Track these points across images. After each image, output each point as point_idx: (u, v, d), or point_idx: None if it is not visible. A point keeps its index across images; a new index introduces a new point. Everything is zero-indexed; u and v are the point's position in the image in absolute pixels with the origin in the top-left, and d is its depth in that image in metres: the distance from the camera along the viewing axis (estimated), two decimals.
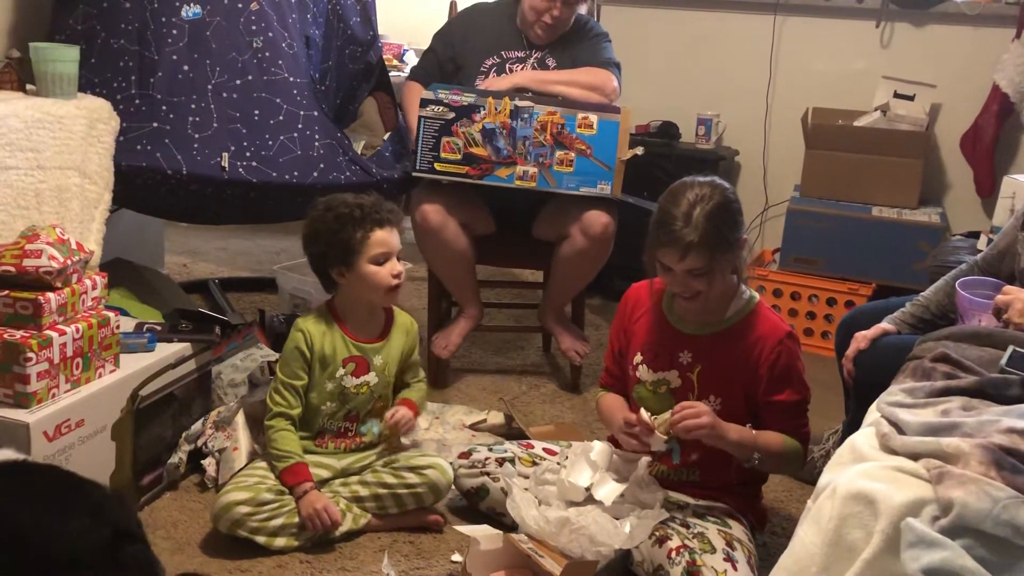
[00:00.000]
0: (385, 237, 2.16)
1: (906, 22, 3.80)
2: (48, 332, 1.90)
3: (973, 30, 3.69)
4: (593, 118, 2.72)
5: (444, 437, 2.64)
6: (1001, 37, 3.59)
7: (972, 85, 3.65)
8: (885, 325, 2.20)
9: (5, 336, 1.87)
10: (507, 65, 2.98)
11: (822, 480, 1.39)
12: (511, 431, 2.67)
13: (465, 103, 2.74)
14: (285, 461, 2.12)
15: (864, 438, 1.44)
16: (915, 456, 1.32)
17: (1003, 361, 1.58)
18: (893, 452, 1.36)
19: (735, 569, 1.84)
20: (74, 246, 2.01)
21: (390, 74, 3.39)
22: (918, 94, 3.66)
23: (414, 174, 2.79)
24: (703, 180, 1.98)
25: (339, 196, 2.20)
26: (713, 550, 1.87)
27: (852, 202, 3.61)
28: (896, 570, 1.20)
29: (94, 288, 2.06)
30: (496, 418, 2.73)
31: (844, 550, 1.27)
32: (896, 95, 3.68)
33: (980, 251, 2.48)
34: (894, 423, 1.42)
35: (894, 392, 1.52)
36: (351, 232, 2.13)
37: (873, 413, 1.53)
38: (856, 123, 3.69)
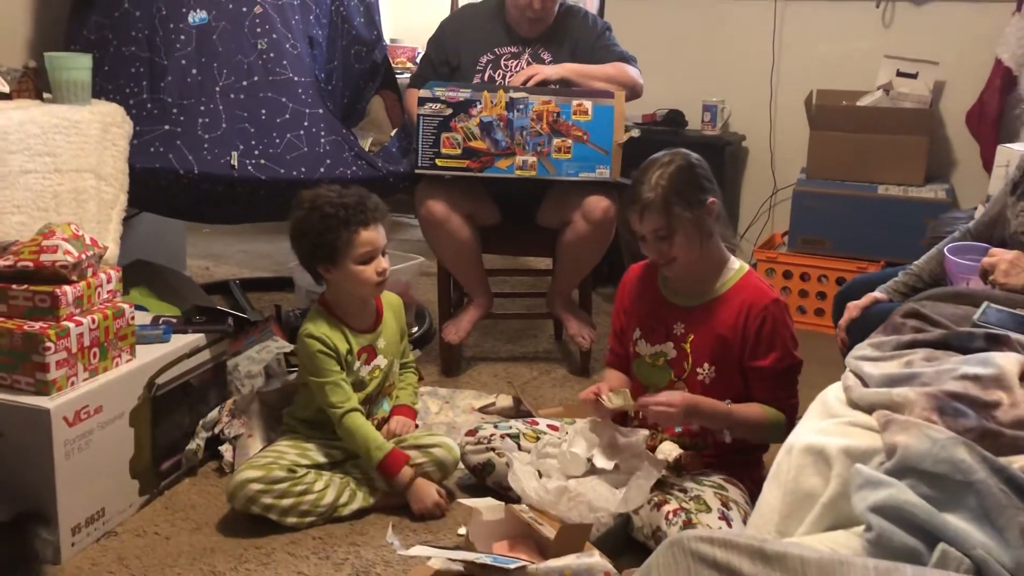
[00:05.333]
0: (370, 237, 2.21)
1: (906, 0, 3.82)
2: (65, 323, 1.99)
3: (974, 5, 3.69)
4: (588, 104, 2.78)
5: (454, 420, 2.71)
6: (1002, 11, 3.60)
7: (975, 60, 3.66)
8: (877, 294, 2.22)
9: (25, 327, 1.97)
10: (502, 61, 3.04)
11: (786, 440, 1.45)
12: (520, 414, 2.72)
13: (462, 98, 2.80)
14: (382, 450, 2.19)
15: (834, 392, 1.49)
16: (871, 407, 1.38)
17: (976, 316, 1.62)
18: (855, 404, 1.42)
19: (730, 527, 1.88)
20: (88, 241, 2.10)
21: (404, 76, 3.47)
22: (921, 72, 3.67)
23: (416, 171, 2.86)
24: (669, 151, 2.10)
25: (323, 194, 2.23)
26: (709, 510, 1.92)
27: (858, 181, 3.63)
28: (852, 513, 1.25)
29: (109, 281, 2.15)
30: (505, 401, 2.80)
31: (803, 497, 1.33)
32: (899, 73, 3.70)
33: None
34: (860, 376, 1.47)
35: (863, 346, 1.57)
36: (337, 233, 2.18)
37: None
38: (859, 103, 3.71)
